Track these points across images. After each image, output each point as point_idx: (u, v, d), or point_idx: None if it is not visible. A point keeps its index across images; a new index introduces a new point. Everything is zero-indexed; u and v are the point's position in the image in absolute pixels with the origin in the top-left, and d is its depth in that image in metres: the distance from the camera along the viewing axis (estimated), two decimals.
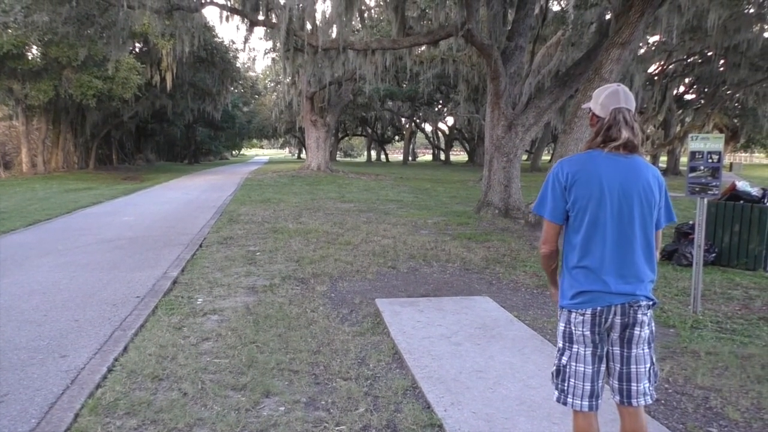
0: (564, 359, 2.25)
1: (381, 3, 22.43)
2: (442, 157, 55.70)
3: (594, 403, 2.22)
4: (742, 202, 7.18)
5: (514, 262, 7.38)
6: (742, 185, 7.47)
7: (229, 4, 13.72)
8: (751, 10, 14.84)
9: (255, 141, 77.32)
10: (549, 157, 44.66)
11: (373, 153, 63.50)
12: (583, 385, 2.20)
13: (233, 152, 77.24)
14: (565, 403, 2.25)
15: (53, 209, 12.45)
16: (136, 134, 40.18)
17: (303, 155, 62.44)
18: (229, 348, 4.18)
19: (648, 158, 38.55)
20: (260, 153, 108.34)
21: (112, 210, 12.81)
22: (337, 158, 58.00)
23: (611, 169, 2.18)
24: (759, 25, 15.87)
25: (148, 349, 4.13)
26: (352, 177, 24.98)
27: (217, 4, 13.53)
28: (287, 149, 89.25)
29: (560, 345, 2.29)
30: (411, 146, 60.65)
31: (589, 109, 2.33)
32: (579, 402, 2.21)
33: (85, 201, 14.35)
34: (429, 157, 72.44)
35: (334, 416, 3.17)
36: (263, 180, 22.59)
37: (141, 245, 8.40)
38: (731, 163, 37.12)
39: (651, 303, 2.22)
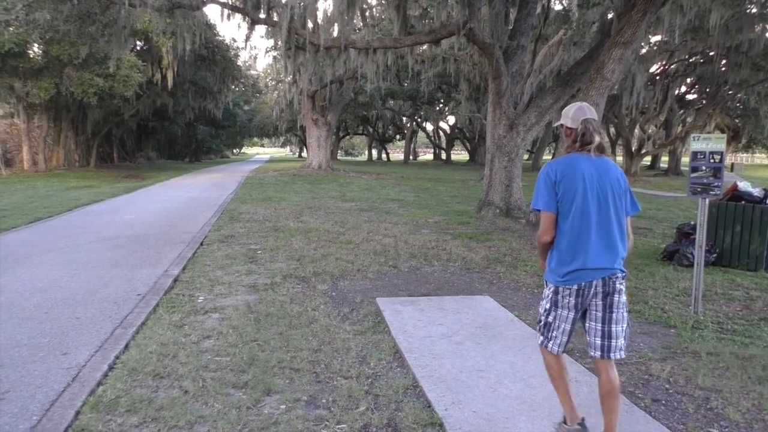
0: (550, 318, 2.80)
1: (383, 2, 22.42)
2: (443, 156, 55.68)
3: (564, 349, 2.83)
4: (743, 202, 7.17)
5: (515, 261, 7.38)
6: (743, 186, 7.46)
7: (230, 3, 13.71)
8: (753, 10, 14.83)
9: (256, 139, 77.37)
10: (550, 157, 44.64)
11: (374, 152, 63.49)
12: (562, 338, 2.80)
13: (234, 151, 77.26)
14: (546, 347, 2.85)
15: (54, 207, 12.46)
16: (137, 132, 40.16)
17: (304, 154, 62.44)
18: (230, 346, 4.18)
19: (649, 158, 38.52)
20: (261, 151, 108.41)
21: (113, 208, 12.81)
22: (338, 157, 57.99)
23: (589, 168, 2.69)
24: (761, 25, 15.85)
25: (149, 346, 4.14)
26: (353, 176, 24.98)
27: (218, 3, 13.51)
28: (288, 148, 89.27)
29: (546, 306, 2.82)
30: (412, 145, 60.60)
31: (561, 125, 2.85)
32: (557, 348, 2.82)
33: (86, 199, 14.35)
34: (430, 157, 72.40)
35: (334, 415, 3.17)
36: (264, 179, 22.60)
37: (142, 243, 8.40)
38: (732, 164, 37.11)
39: (623, 274, 2.72)
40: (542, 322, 2.86)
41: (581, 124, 2.73)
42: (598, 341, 2.70)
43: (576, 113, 2.77)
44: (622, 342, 2.71)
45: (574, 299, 2.70)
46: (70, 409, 3.18)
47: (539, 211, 2.74)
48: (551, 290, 2.78)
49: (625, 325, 2.71)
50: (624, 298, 2.71)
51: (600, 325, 2.70)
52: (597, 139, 2.70)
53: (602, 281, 2.66)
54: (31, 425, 3.04)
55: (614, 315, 2.68)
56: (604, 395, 2.71)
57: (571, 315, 2.74)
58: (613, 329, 2.68)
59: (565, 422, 2.88)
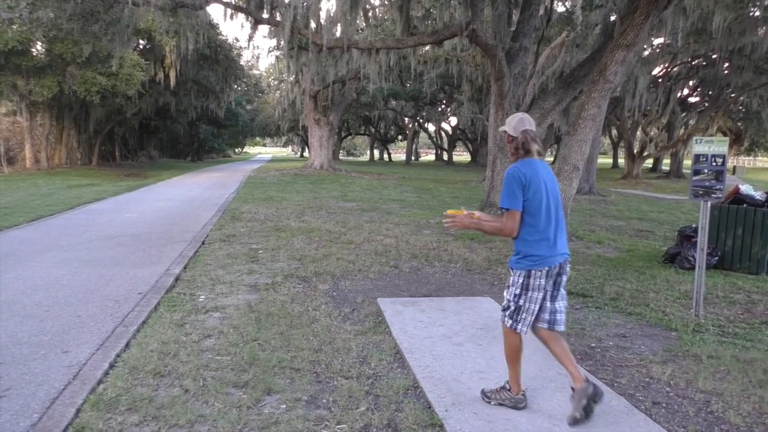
0: (521, 302, 3.14)
1: (386, 2, 22.41)
2: (445, 157, 55.65)
3: (530, 328, 3.18)
4: (745, 205, 7.16)
5: None
6: (745, 189, 7.45)
7: (233, 2, 13.71)
8: (757, 13, 14.81)
9: (258, 139, 77.40)
10: (552, 158, 44.60)
11: (376, 152, 63.47)
12: (530, 318, 3.15)
13: (236, 150, 77.26)
14: (515, 330, 3.17)
15: (56, 205, 12.48)
16: (139, 131, 40.19)
17: (306, 154, 62.45)
18: (230, 345, 4.19)
19: (651, 160, 38.49)
20: (263, 151, 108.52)
21: (114, 207, 12.83)
22: (340, 157, 57.99)
23: (542, 171, 3.14)
24: (764, 28, 15.82)
25: (150, 345, 4.14)
26: (354, 176, 24.99)
27: (221, 2, 13.52)
28: (290, 148, 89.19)
29: (517, 292, 3.15)
30: (414, 146, 60.61)
31: (505, 131, 3.27)
32: (525, 329, 3.16)
33: (88, 197, 14.37)
34: (432, 157, 72.42)
35: (335, 415, 3.17)
36: (266, 178, 22.61)
37: (143, 242, 8.41)
38: (734, 167, 37.05)
39: (569, 257, 3.24)
40: (512, 308, 3.18)
41: (521, 134, 3.18)
42: (547, 316, 3.16)
43: (518, 124, 3.22)
44: (564, 316, 3.21)
45: (544, 280, 3.11)
46: (70, 407, 3.18)
47: (507, 209, 3.10)
48: (522, 275, 3.13)
49: (566, 302, 3.25)
50: (566, 277, 3.23)
51: (549, 303, 3.16)
52: (535, 147, 3.17)
53: (559, 265, 3.13)
54: (32, 423, 3.04)
55: (561, 292, 3.19)
56: (559, 355, 3.14)
57: (540, 296, 3.13)
58: (558, 305, 3.18)
59: (510, 390, 3.27)
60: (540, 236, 3.09)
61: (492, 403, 3.29)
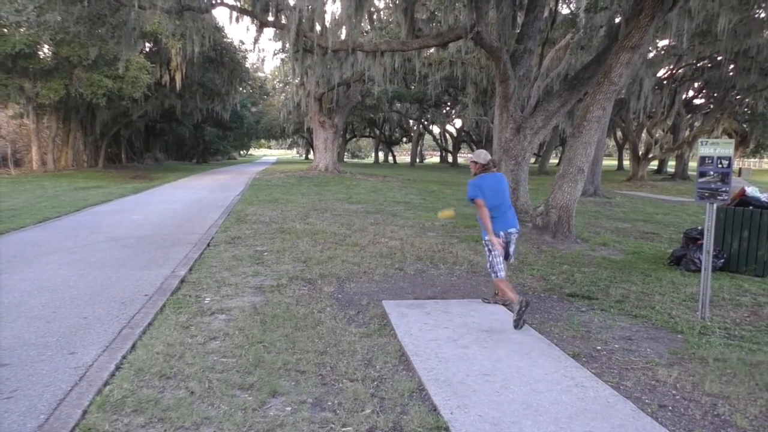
0: (495, 256, 4.99)
1: (390, 5, 22.45)
2: (450, 159, 55.63)
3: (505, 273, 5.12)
4: (751, 207, 7.13)
5: (521, 265, 7.37)
6: (751, 191, 7.42)
7: (239, 5, 13.79)
8: (762, 15, 14.77)
9: (263, 141, 77.55)
10: (557, 160, 44.48)
11: (381, 154, 63.49)
12: (502, 264, 5.00)
13: (241, 152, 77.49)
14: (498, 276, 4.98)
15: (63, 207, 12.54)
16: (145, 133, 40.38)
17: (311, 156, 62.51)
18: (236, 347, 4.20)
19: (656, 162, 38.32)
20: (268, 153, 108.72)
21: (120, 208, 12.88)
22: (345, 159, 58.05)
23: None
24: None
25: (156, 347, 4.16)
26: (359, 178, 25.01)
27: (227, 5, 13.59)
28: (295, 150, 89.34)
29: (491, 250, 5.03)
30: (418, 148, 60.60)
31: (475, 162, 5.20)
32: (502, 273, 5.02)
33: (95, 199, 14.44)
34: (436, 159, 72.36)
35: (340, 417, 3.17)
36: (271, 180, 22.65)
37: (149, 244, 8.44)
38: (740, 169, 36.87)
39: None
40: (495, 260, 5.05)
41: (490, 161, 5.19)
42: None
43: (485, 157, 5.19)
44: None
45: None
46: (77, 408, 3.20)
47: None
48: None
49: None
50: None
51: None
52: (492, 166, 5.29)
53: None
54: (38, 424, 3.06)
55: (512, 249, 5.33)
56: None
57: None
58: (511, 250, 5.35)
59: (505, 303, 5.29)
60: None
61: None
